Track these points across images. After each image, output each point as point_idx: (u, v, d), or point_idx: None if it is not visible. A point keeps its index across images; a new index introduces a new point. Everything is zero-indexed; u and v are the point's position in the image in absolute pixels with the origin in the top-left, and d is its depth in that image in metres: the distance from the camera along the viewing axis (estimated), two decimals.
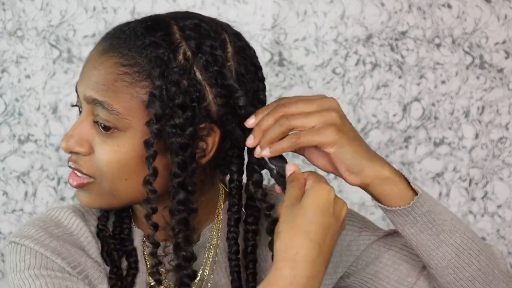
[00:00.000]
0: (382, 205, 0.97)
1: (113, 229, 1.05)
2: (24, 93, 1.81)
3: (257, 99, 1.02)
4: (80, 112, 0.99)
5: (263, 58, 1.81)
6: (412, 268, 1.06)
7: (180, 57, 0.95)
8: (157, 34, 0.95)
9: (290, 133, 0.94)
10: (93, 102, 0.95)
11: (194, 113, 0.94)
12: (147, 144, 0.93)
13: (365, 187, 0.96)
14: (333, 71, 1.84)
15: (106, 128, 0.95)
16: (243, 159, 1.02)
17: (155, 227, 0.96)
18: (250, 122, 0.95)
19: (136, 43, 0.95)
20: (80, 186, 0.98)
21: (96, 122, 0.96)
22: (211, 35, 0.97)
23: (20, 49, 1.79)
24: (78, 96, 0.99)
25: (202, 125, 0.96)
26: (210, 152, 0.98)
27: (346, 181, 0.96)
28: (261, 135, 0.94)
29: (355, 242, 1.09)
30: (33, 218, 1.03)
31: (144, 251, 1.05)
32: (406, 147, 1.86)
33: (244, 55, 1.00)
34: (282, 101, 0.96)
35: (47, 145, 1.81)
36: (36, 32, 1.79)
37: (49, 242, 0.98)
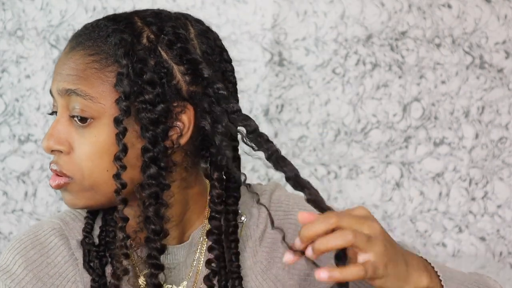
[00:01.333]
0: None
1: (99, 234, 1.05)
2: (24, 93, 1.81)
3: (226, 80, 1.03)
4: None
5: (263, 58, 1.81)
6: None
7: (144, 40, 0.97)
8: (119, 24, 0.98)
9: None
10: (66, 93, 0.97)
11: (164, 90, 0.96)
12: (116, 121, 0.95)
13: None
14: (333, 71, 1.83)
15: (83, 120, 0.96)
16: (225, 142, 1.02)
17: (125, 201, 0.97)
18: (296, 245, 0.87)
19: (100, 34, 0.98)
20: (58, 187, 0.99)
21: (72, 117, 0.97)
22: (172, 19, 1.01)
23: (20, 49, 1.79)
24: (53, 97, 1.00)
25: (175, 104, 0.97)
26: (188, 131, 0.99)
27: None
28: (311, 239, 0.85)
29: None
30: (16, 239, 1.04)
31: (130, 256, 1.05)
32: (406, 147, 1.86)
33: (207, 37, 1.02)
34: (335, 214, 0.87)
35: None
36: (36, 32, 1.79)
37: (24, 276, 1.00)
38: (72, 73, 0.97)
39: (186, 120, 0.99)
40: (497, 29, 1.85)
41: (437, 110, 1.86)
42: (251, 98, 1.80)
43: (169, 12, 1.03)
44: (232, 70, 1.05)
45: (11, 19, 1.79)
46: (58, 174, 0.99)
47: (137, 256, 1.04)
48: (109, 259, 1.03)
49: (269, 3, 1.80)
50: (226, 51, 1.04)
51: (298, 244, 0.85)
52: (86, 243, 1.03)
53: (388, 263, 0.86)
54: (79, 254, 1.03)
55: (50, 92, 1.00)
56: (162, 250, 0.98)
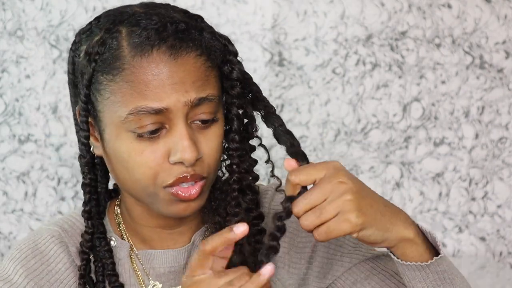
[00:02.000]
0: (397, 260, 0.94)
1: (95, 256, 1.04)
2: (24, 93, 1.81)
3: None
4: (152, 132, 0.95)
5: (263, 58, 1.81)
6: None
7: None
8: (198, 18, 1.00)
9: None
10: (199, 100, 0.94)
11: None
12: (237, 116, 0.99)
13: (387, 248, 0.94)
14: (333, 71, 1.83)
15: (212, 120, 0.96)
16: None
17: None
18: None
19: (192, 32, 0.95)
20: (200, 194, 0.96)
21: (190, 125, 0.95)
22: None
23: (20, 49, 1.79)
24: (163, 112, 0.94)
25: None
26: None
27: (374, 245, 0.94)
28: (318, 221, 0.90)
29: (349, 255, 1.07)
30: (15, 248, 1.03)
31: (133, 262, 1.04)
32: (406, 147, 1.86)
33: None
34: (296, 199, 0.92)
35: (47, 145, 1.81)
36: (36, 32, 1.79)
37: (25, 285, 1.00)
38: (195, 80, 0.93)
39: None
40: (497, 29, 1.85)
41: (437, 110, 1.86)
42: None
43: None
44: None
45: (11, 19, 1.79)
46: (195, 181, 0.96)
47: (141, 266, 1.04)
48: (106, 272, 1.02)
49: (269, 3, 1.80)
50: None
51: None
52: (83, 251, 1.03)
53: (361, 214, 0.88)
54: (79, 261, 1.02)
55: (160, 108, 0.93)
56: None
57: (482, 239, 1.89)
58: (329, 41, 1.83)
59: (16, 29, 1.80)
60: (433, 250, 0.95)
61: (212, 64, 0.95)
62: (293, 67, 1.82)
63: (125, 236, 1.04)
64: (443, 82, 1.85)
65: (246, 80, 0.99)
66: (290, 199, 0.90)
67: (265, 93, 1.76)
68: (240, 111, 0.99)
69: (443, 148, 1.87)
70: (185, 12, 0.99)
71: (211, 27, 0.98)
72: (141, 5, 0.98)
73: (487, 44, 1.85)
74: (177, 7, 1.00)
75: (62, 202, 1.83)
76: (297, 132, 1.82)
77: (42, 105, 1.80)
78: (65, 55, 1.78)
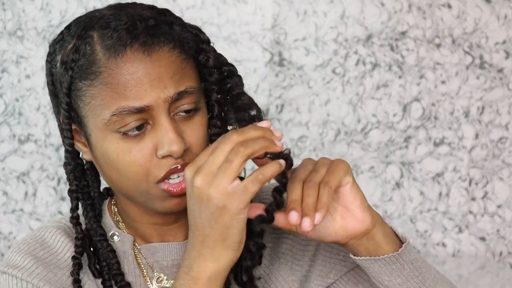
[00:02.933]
0: (369, 257, 0.94)
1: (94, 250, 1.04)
2: (24, 93, 1.81)
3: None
4: (136, 129, 0.96)
5: (263, 58, 1.81)
6: None
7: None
8: (158, 13, 0.99)
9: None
10: (180, 94, 0.94)
11: None
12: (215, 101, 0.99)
13: (367, 233, 0.93)
14: (333, 71, 1.84)
15: (188, 111, 0.96)
16: None
17: None
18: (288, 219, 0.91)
19: (162, 26, 0.96)
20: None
21: (173, 117, 0.95)
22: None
23: (20, 49, 1.80)
24: (145, 110, 0.94)
25: None
26: None
27: (357, 223, 0.92)
28: (300, 206, 0.90)
29: (327, 272, 1.07)
30: (19, 242, 1.03)
31: (136, 256, 1.04)
32: (406, 147, 1.86)
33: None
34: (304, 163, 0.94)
35: (47, 145, 1.81)
36: (36, 32, 1.79)
37: (35, 269, 0.99)
38: (172, 74, 0.94)
39: None
40: (497, 29, 1.85)
41: (437, 110, 1.86)
42: None
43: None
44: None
45: (11, 19, 1.79)
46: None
47: (144, 260, 1.04)
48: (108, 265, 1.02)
49: (269, 3, 1.80)
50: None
51: (294, 217, 0.90)
52: (83, 247, 1.03)
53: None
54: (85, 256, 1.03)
55: (142, 107, 0.93)
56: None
57: (482, 239, 1.89)
58: (329, 41, 1.83)
59: (16, 29, 1.80)
60: (399, 240, 0.96)
61: (187, 56, 0.95)
62: (293, 67, 1.82)
63: (125, 232, 1.05)
64: (443, 82, 1.85)
65: (223, 66, 1.00)
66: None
67: (265, 93, 1.76)
68: (219, 96, 1.00)
69: (443, 148, 1.87)
70: (152, 8, 1.00)
71: (180, 19, 0.99)
72: (109, 7, 0.99)
73: (487, 44, 1.85)
74: (144, 4, 1.00)
75: (62, 202, 1.83)
76: (297, 132, 1.82)
77: (42, 105, 1.80)
78: None
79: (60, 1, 1.78)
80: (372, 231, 0.93)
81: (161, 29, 0.95)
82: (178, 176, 0.95)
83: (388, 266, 0.94)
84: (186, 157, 0.95)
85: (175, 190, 0.95)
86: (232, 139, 0.87)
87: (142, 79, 0.93)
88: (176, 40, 0.95)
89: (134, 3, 1.00)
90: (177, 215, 1.02)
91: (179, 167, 0.95)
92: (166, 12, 0.99)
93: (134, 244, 1.04)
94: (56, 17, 1.79)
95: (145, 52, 0.93)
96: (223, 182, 0.86)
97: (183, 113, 0.95)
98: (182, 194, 0.94)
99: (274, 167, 0.88)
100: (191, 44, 0.96)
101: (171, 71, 0.94)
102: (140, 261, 1.04)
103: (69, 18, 1.79)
